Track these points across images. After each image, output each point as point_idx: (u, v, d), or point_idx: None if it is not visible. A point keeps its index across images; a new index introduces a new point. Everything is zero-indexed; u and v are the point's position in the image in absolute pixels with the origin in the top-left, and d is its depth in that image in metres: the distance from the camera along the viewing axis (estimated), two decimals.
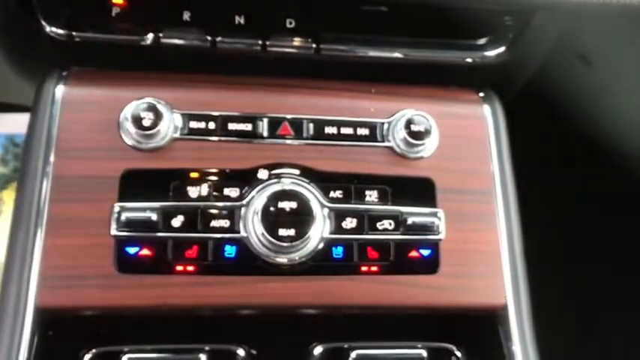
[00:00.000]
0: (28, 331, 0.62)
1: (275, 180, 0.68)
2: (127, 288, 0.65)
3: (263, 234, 0.65)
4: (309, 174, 0.70)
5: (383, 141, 0.73)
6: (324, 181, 0.70)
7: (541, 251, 0.81)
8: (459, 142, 0.74)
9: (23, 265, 0.64)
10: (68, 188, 0.66)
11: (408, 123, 0.72)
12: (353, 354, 0.70)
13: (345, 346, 0.70)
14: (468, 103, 0.78)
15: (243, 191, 0.68)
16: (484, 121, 0.77)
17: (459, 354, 0.72)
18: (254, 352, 0.69)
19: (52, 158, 0.67)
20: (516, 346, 0.70)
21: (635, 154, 0.97)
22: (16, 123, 1.38)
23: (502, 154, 0.76)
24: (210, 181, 0.68)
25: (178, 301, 0.65)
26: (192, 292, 0.65)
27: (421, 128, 0.72)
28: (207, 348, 0.68)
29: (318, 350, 0.70)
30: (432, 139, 0.73)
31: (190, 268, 0.65)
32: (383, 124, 0.73)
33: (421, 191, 0.71)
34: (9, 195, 1.36)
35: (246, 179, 0.69)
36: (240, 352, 0.69)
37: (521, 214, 0.75)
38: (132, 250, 0.65)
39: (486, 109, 0.77)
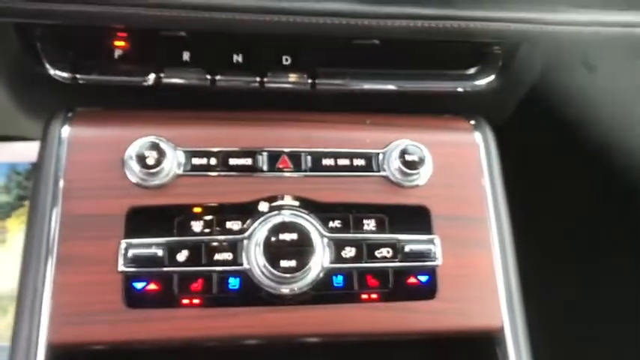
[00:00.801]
0: None
1: (275, 212, 0.71)
2: (135, 322, 0.67)
3: (265, 265, 0.67)
4: (309, 205, 0.72)
5: (379, 171, 0.75)
6: (323, 211, 0.72)
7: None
8: (452, 170, 0.77)
9: (34, 303, 0.65)
10: (76, 227, 0.68)
11: (403, 153, 0.74)
12: None
13: None
14: (460, 131, 0.80)
15: (245, 224, 0.70)
16: (476, 148, 0.79)
17: None
18: None
19: (60, 197, 0.69)
20: None
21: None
22: (18, 152, 1.40)
23: (494, 180, 0.78)
24: (213, 215, 0.70)
25: (185, 334, 0.67)
26: (198, 325, 0.67)
27: (415, 158, 0.74)
28: None
29: None
30: (426, 168, 0.75)
31: (196, 301, 0.68)
32: (378, 154, 0.75)
33: (417, 219, 0.74)
34: (13, 223, 1.37)
35: (247, 212, 0.71)
36: None
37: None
38: (139, 286, 0.67)
39: (477, 136, 0.80)
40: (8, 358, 0.66)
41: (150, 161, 0.69)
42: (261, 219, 0.70)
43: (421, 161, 0.74)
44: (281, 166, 0.74)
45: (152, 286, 0.67)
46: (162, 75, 0.74)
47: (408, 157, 0.74)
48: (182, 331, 0.67)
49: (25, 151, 1.39)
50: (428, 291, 0.71)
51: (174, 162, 0.70)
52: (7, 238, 1.39)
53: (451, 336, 0.72)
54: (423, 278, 0.72)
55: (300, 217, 0.70)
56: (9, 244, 1.38)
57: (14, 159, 1.41)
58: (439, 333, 0.72)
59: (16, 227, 1.36)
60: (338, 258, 0.71)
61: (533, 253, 0.83)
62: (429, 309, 0.71)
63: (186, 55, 0.74)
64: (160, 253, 0.68)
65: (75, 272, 0.67)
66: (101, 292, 0.66)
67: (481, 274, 0.74)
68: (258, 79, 0.76)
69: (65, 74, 0.74)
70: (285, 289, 0.68)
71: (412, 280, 0.71)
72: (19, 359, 0.64)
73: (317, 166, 0.74)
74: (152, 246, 0.68)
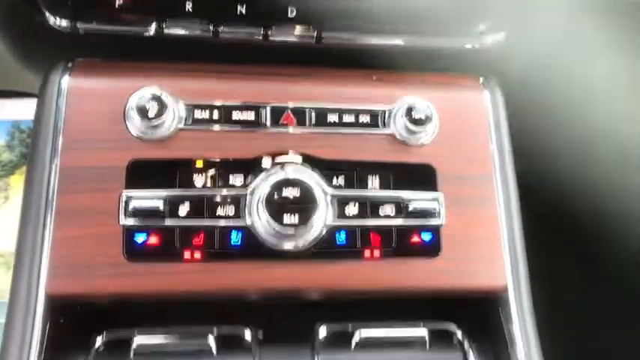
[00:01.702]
0: (40, 318, 0.64)
1: (278, 168, 0.70)
2: (135, 276, 0.66)
3: (268, 221, 0.66)
4: (312, 162, 0.71)
5: (384, 128, 0.74)
6: (326, 168, 0.71)
7: None
8: (459, 128, 0.75)
9: (34, 255, 0.65)
10: (76, 179, 0.67)
11: (409, 110, 0.73)
12: (356, 334, 0.72)
13: (349, 326, 0.73)
14: (469, 90, 0.78)
15: (248, 180, 0.69)
16: (484, 107, 0.77)
17: (459, 334, 0.75)
18: (260, 333, 0.71)
19: (59, 150, 0.68)
20: (516, 327, 0.72)
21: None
22: (21, 109, 1.39)
23: (502, 140, 0.76)
24: (215, 170, 0.69)
25: (186, 288, 0.67)
26: (199, 279, 0.67)
27: (422, 115, 0.73)
28: (215, 330, 0.70)
29: (322, 331, 0.73)
30: (433, 126, 0.74)
31: (197, 255, 0.67)
32: (384, 111, 0.74)
33: (422, 177, 0.73)
34: (16, 180, 1.37)
35: (250, 168, 0.70)
36: (247, 333, 0.71)
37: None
38: (140, 239, 0.66)
39: (486, 95, 0.78)
40: (7, 311, 0.66)
41: (151, 113, 0.68)
42: (264, 175, 0.69)
43: (427, 119, 0.73)
44: (285, 121, 0.72)
45: (153, 240, 0.67)
46: (163, 25, 0.72)
47: (414, 115, 0.72)
48: (183, 285, 0.67)
49: (29, 108, 1.37)
50: (431, 249, 0.71)
51: (175, 114, 0.69)
52: (10, 195, 1.39)
53: (453, 295, 0.72)
54: (427, 237, 0.71)
55: (304, 173, 0.69)
56: (12, 201, 1.38)
57: (17, 116, 1.40)
58: (441, 292, 0.71)
59: (20, 185, 1.35)
60: (341, 215, 0.70)
61: None
62: (431, 267, 0.71)
63: (188, 5, 0.72)
64: (161, 206, 0.67)
65: (75, 225, 0.66)
66: (101, 245, 0.66)
67: (486, 233, 0.73)
68: (262, 31, 0.74)
69: (65, 23, 0.72)
70: (287, 245, 0.68)
71: (415, 238, 0.71)
72: (19, 311, 0.64)
73: (321, 122, 0.73)
74: (153, 199, 0.67)
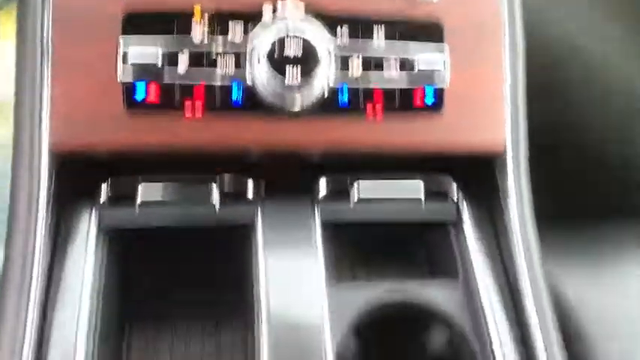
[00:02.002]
0: (45, 172, 0.65)
1: (281, 21, 0.67)
2: (136, 130, 0.66)
3: (268, 78, 0.65)
4: (316, 14, 0.68)
5: None
6: (330, 22, 0.68)
7: None
8: None
9: (33, 109, 0.65)
10: (72, 30, 0.65)
11: None
12: (355, 188, 0.74)
13: (348, 178, 0.74)
14: None
15: (248, 33, 0.67)
16: None
17: (456, 194, 0.77)
18: (262, 182, 0.73)
19: None
20: (511, 183, 0.74)
21: None
22: None
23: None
24: (214, 22, 0.66)
25: (187, 143, 0.67)
26: (200, 134, 0.67)
27: None
28: (217, 181, 0.72)
29: (323, 182, 0.74)
30: None
31: (198, 110, 0.66)
32: None
33: (429, 34, 0.70)
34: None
35: (250, 20, 0.67)
36: (250, 182, 0.73)
37: None
38: (140, 92, 0.65)
39: None
40: (11, 167, 0.67)
41: None
42: (266, 28, 0.66)
43: None
44: None
45: (153, 95, 0.66)
46: None
47: None
48: (184, 140, 0.67)
49: None
50: (434, 108, 0.70)
51: None
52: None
53: (453, 155, 0.73)
54: (430, 95, 0.70)
55: (307, 27, 0.66)
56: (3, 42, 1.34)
57: None
58: (441, 151, 0.72)
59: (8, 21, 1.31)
60: (344, 71, 0.68)
61: None
62: (433, 127, 0.71)
63: None
64: (159, 61, 0.65)
65: (73, 79, 0.65)
66: (101, 99, 0.65)
67: (489, 94, 0.72)
68: None
69: None
70: (288, 103, 0.67)
71: (418, 97, 0.70)
72: (23, 164, 0.65)
73: None
74: (152, 54, 0.65)
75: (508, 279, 0.73)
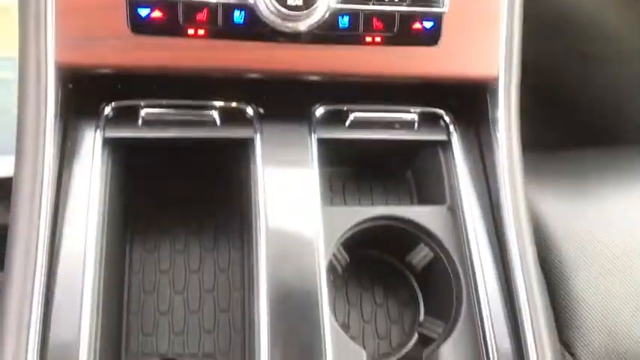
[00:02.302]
0: (52, 86, 0.66)
1: None
2: (140, 49, 0.68)
3: (271, 1, 0.66)
4: None
5: None
6: None
7: None
8: None
9: (39, 26, 0.65)
10: None
11: None
12: (351, 115, 0.77)
13: (344, 108, 0.77)
14: None
15: None
16: None
17: (447, 118, 0.80)
18: (262, 110, 0.75)
19: None
20: (501, 112, 0.76)
21: None
22: None
23: None
24: None
25: (189, 63, 0.69)
26: (202, 55, 0.69)
27: None
28: (218, 105, 0.74)
29: (319, 111, 0.77)
30: None
31: (201, 31, 0.68)
32: None
33: None
34: None
35: None
36: (249, 110, 0.75)
37: None
38: (144, 12, 0.66)
39: None
40: (18, 81, 0.68)
41: None
42: None
43: None
44: None
45: (157, 14, 0.67)
46: None
47: None
48: (186, 60, 0.69)
49: None
50: (431, 37, 0.72)
51: None
52: None
53: (447, 82, 0.75)
54: (428, 24, 0.71)
55: None
56: None
57: None
58: (437, 78, 0.74)
59: None
60: None
61: None
62: (430, 55, 0.73)
63: None
64: None
65: None
66: (107, 17, 0.66)
67: (486, 24, 0.74)
68: None
69: None
70: (290, 27, 0.68)
71: (417, 25, 0.71)
72: (30, 77, 0.67)
73: None
74: None
75: (491, 199, 0.77)
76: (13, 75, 0.69)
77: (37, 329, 0.61)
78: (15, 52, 0.69)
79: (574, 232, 0.97)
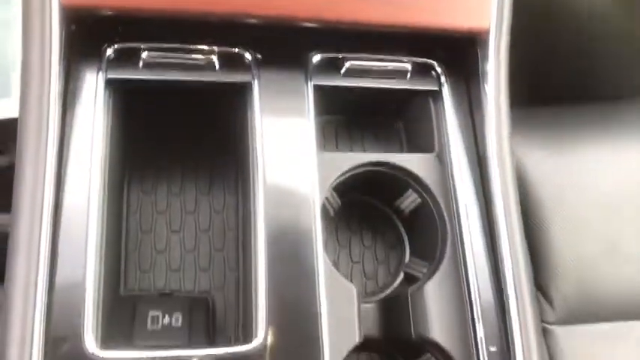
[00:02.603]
0: (57, 27, 0.68)
1: None
2: None
3: None
4: None
5: None
6: None
7: None
8: None
9: None
10: None
11: None
12: (347, 63, 0.79)
13: (340, 56, 0.79)
14: None
15: None
16: None
17: (439, 69, 0.82)
18: (259, 56, 0.77)
19: None
20: (491, 65, 0.79)
21: None
22: None
23: None
24: None
25: (188, 6, 0.70)
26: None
27: None
28: (217, 50, 0.76)
29: (316, 58, 0.79)
30: None
31: None
32: None
33: None
34: None
35: None
36: (248, 55, 0.77)
37: None
38: None
39: None
40: (22, 18, 0.69)
41: None
42: None
43: None
44: None
45: None
46: None
47: None
48: (188, 3, 0.70)
49: None
50: None
51: None
52: None
53: (440, 33, 0.77)
54: None
55: None
56: None
57: None
58: (429, 29, 0.76)
59: None
60: None
61: None
62: (421, 5, 0.75)
63: None
64: None
65: None
66: None
67: None
68: None
69: None
70: None
71: None
72: (35, 19, 0.67)
73: None
74: None
75: (478, 150, 0.81)
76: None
77: (45, 269, 0.64)
78: None
79: (553, 181, 1.02)
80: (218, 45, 0.76)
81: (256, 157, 0.74)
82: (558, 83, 1.27)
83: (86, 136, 0.71)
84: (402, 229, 0.88)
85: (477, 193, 0.79)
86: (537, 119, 1.11)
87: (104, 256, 0.69)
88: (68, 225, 0.67)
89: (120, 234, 0.83)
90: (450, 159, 0.80)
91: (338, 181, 0.79)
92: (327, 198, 0.78)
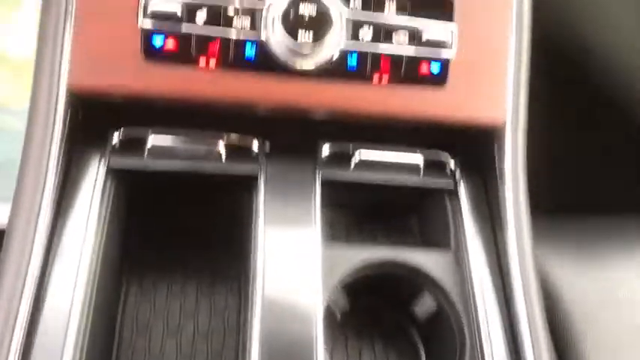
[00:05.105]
0: (62, 111, 0.67)
1: None
2: (152, 76, 0.69)
3: (282, 37, 0.68)
4: None
5: None
6: None
7: None
8: None
9: (55, 49, 0.67)
10: None
11: None
12: (357, 154, 0.77)
13: (351, 147, 0.77)
14: None
15: None
16: None
17: (452, 163, 0.79)
18: (267, 144, 0.76)
19: None
20: (508, 163, 0.76)
21: None
22: None
23: None
24: None
25: (199, 94, 0.70)
26: (212, 87, 0.70)
27: None
28: (224, 137, 0.74)
29: (325, 147, 0.77)
30: None
31: (212, 63, 0.69)
32: None
33: (439, 7, 0.73)
34: None
35: None
36: (255, 145, 0.75)
37: None
38: (158, 41, 0.68)
39: None
40: (30, 101, 0.69)
41: None
42: None
43: None
44: None
45: (170, 44, 0.68)
46: None
47: None
48: (197, 91, 0.70)
49: None
50: (438, 80, 0.73)
51: None
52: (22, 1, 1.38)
53: (454, 126, 0.75)
54: (436, 67, 0.73)
55: None
56: (24, 7, 1.37)
57: None
58: (443, 122, 0.75)
59: None
60: (355, 38, 0.71)
61: None
62: (436, 98, 0.73)
63: None
64: (179, 11, 0.68)
65: (95, 22, 0.68)
66: (121, 44, 0.68)
67: (493, 70, 0.75)
68: None
69: None
70: (299, 63, 0.69)
71: (424, 67, 0.72)
72: (42, 103, 0.68)
73: None
74: (172, 2, 0.68)
75: (499, 260, 0.76)
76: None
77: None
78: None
79: (586, 299, 0.95)
80: (225, 131, 0.74)
81: (256, 255, 0.70)
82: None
83: (80, 230, 0.68)
84: (417, 337, 0.81)
85: (498, 301, 0.73)
86: (562, 226, 1.05)
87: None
88: (45, 328, 0.62)
89: (112, 336, 0.78)
90: (468, 260, 0.75)
91: (346, 279, 0.73)
92: (332, 298, 0.72)
